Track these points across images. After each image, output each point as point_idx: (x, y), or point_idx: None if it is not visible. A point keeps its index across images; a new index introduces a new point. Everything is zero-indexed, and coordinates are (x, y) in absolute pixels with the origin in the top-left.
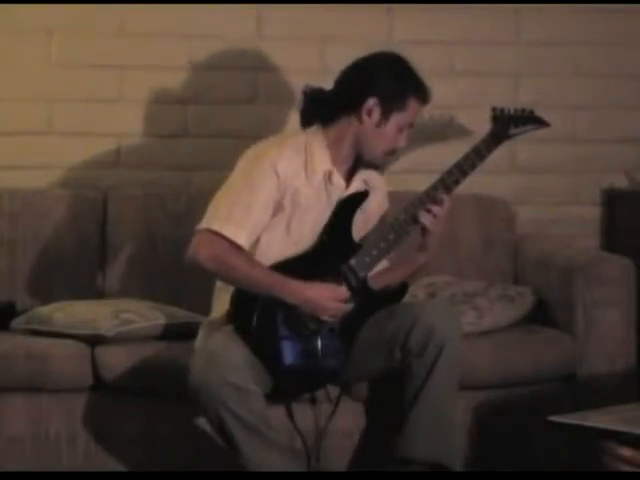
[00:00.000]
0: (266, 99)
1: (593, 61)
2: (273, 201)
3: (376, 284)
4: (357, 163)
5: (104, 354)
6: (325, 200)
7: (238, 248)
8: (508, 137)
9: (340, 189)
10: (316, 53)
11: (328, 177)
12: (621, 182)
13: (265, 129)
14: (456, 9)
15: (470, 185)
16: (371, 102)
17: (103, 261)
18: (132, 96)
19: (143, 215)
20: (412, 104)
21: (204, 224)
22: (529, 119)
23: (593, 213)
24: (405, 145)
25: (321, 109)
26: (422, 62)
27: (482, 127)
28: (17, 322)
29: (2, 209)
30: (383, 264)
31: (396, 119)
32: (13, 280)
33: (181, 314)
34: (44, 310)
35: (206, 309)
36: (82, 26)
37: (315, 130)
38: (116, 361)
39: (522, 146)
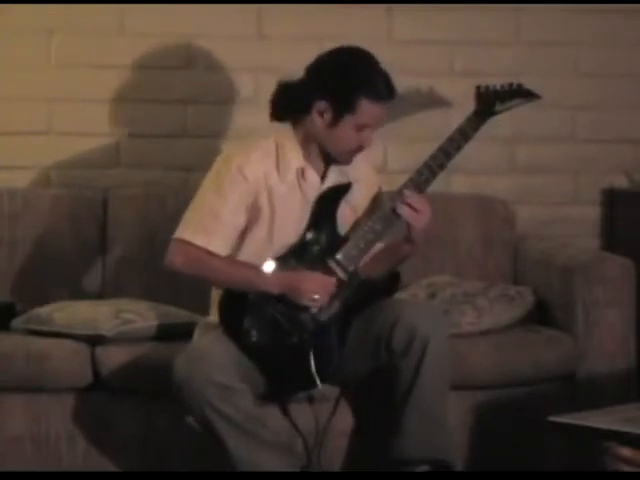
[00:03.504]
0: (266, 99)
1: (593, 61)
2: (245, 205)
3: (362, 272)
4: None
5: (104, 354)
6: (300, 198)
7: (212, 252)
8: (493, 114)
9: (315, 185)
10: (316, 53)
11: (301, 174)
12: (621, 182)
13: (265, 129)
14: (456, 9)
15: (470, 185)
16: (321, 105)
17: (103, 261)
18: (131, 96)
19: (143, 215)
20: (363, 105)
21: (176, 234)
22: (516, 93)
23: (593, 213)
24: (372, 144)
25: (289, 105)
26: (422, 62)
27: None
28: (17, 322)
29: (2, 209)
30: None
31: (349, 121)
32: (13, 280)
33: (181, 314)
34: (44, 310)
35: (206, 309)
36: (82, 26)
37: (286, 128)
38: (116, 361)
39: (522, 146)
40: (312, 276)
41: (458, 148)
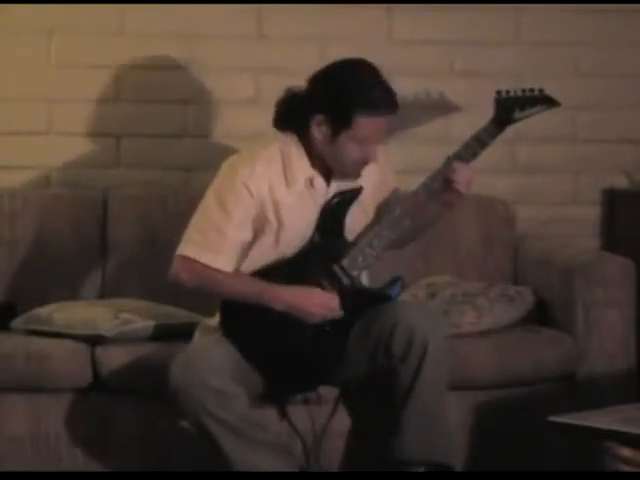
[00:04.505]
0: (266, 99)
1: (593, 61)
2: (250, 219)
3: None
4: None
5: (104, 354)
6: (310, 206)
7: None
8: (512, 122)
9: (322, 191)
10: (316, 53)
11: (310, 183)
12: (621, 182)
13: (265, 129)
14: (456, 9)
15: None
16: (318, 118)
17: (103, 261)
18: (131, 96)
19: (143, 215)
20: (360, 121)
21: (180, 250)
22: (537, 100)
23: (593, 213)
24: (375, 159)
25: (290, 115)
26: (422, 62)
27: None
28: (17, 322)
29: (2, 209)
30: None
31: (346, 136)
32: (13, 280)
33: (181, 314)
34: (44, 310)
35: (206, 309)
36: (82, 26)
37: (291, 136)
38: (116, 361)
39: (522, 146)
40: (319, 298)
41: (474, 155)
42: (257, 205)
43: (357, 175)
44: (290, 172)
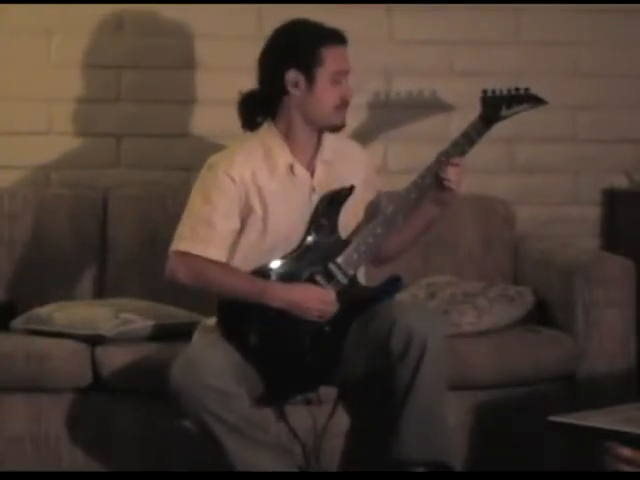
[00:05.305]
0: None
1: (593, 61)
2: (237, 208)
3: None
4: (318, 146)
5: (104, 354)
6: (292, 193)
7: (213, 261)
8: (499, 119)
9: (304, 178)
10: None
11: (290, 170)
12: (621, 182)
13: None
14: (456, 9)
15: (469, 185)
16: (291, 75)
17: (103, 261)
18: (131, 96)
19: (143, 215)
20: (327, 53)
21: (173, 247)
22: (523, 98)
23: (593, 213)
24: (351, 93)
25: (259, 108)
26: (422, 62)
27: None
28: (17, 322)
29: (2, 209)
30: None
31: (322, 75)
32: (13, 280)
33: (181, 314)
34: (44, 310)
35: (206, 309)
36: (81, 26)
37: (268, 127)
38: (116, 361)
39: (522, 146)
40: (315, 295)
41: (463, 152)
42: (241, 193)
43: (342, 122)
44: (272, 160)
